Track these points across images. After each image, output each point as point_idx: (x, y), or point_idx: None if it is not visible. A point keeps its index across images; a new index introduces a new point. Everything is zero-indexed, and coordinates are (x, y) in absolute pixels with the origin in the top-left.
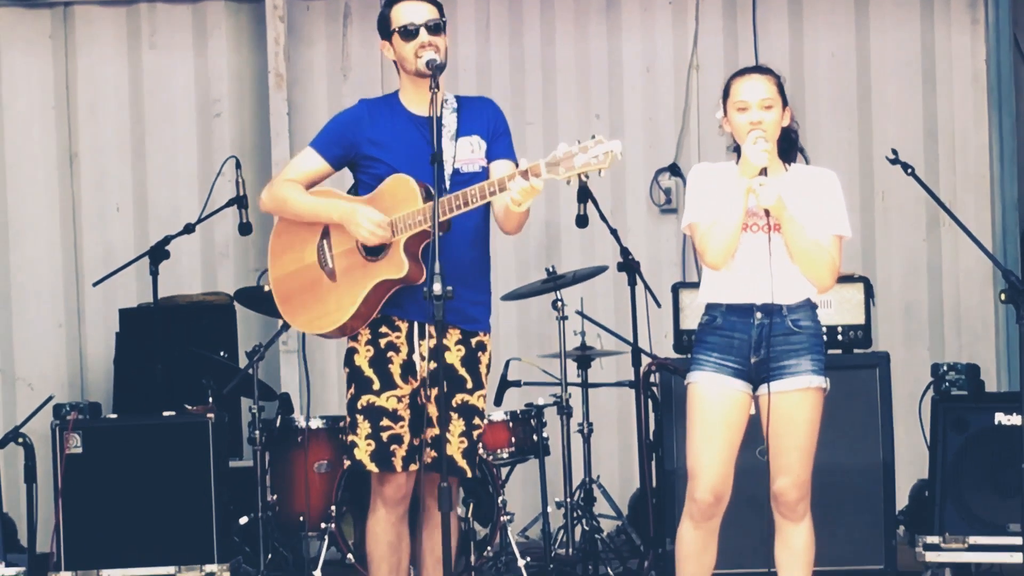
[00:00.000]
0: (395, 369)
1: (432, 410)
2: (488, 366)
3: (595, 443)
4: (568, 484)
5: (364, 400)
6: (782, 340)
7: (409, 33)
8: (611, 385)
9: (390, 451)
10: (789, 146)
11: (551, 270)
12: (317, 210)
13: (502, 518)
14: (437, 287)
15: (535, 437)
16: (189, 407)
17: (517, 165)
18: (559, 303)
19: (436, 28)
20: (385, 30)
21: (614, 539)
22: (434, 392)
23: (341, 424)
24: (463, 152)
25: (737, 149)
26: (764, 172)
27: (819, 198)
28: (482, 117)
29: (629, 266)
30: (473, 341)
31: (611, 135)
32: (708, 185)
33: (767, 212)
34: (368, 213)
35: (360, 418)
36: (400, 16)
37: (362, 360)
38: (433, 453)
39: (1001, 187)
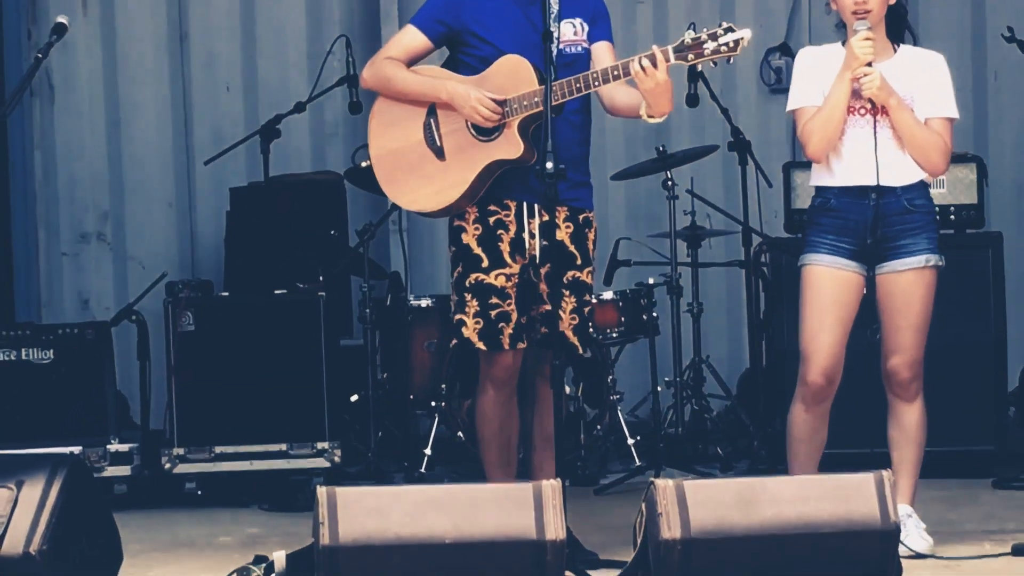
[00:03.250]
0: (504, 247)
1: (543, 287)
2: (595, 243)
3: (704, 323)
4: (677, 364)
5: (472, 278)
6: (898, 220)
7: None
8: (721, 265)
9: (498, 329)
10: (897, 24)
11: (661, 149)
12: (425, 89)
13: (612, 397)
14: (550, 165)
15: (644, 317)
16: (300, 285)
17: (614, 45)
18: (669, 182)
19: None
20: None
21: (723, 418)
22: (545, 269)
23: (451, 304)
24: (567, 33)
25: (841, 26)
26: (869, 64)
27: (928, 81)
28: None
29: (740, 145)
30: (580, 218)
31: (721, 14)
32: (813, 70)
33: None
34: (482, 97)
35: (468, 296)
36: None
37: (470, 238)
38: (544, 330)
39: None
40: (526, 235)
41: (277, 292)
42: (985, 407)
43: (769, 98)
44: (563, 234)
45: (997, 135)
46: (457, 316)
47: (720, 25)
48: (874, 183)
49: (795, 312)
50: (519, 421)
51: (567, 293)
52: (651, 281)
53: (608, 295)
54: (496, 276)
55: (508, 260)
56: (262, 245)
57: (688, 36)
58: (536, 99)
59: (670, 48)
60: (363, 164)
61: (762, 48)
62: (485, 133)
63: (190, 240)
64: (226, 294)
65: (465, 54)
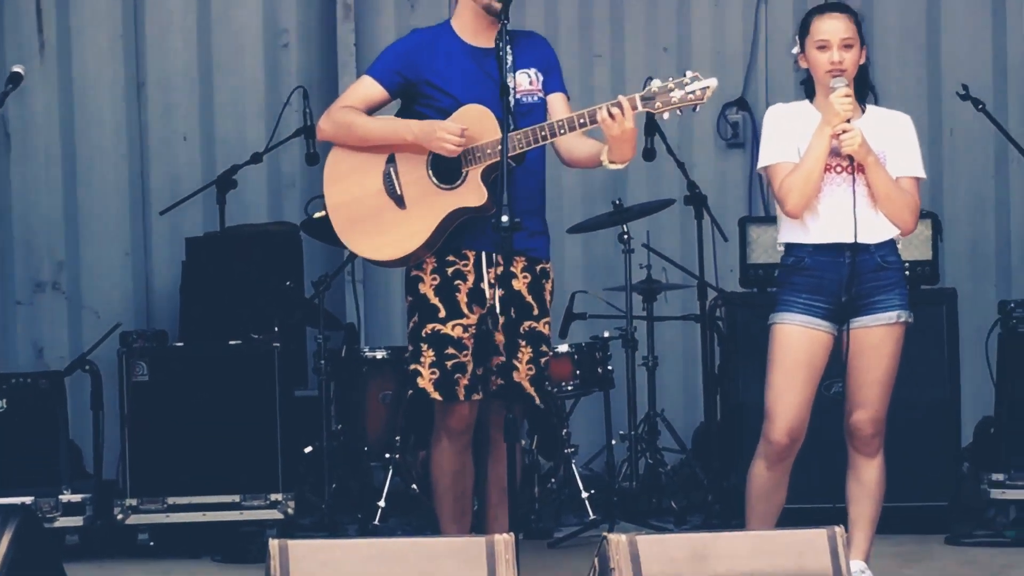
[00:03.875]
0: (462, 298)
1: (500, 338)
2: (552, 294)
3: (659, 376)
4: (632, 417)
5: (429, 328)
6: (872, 276)
7: None
8: (676, 319)
9: (454, 379)
10: (863, 84)
11: (617, 203)
12: (387, 132)
13: (566, 451)
14: (505, 218)
15: (600, 370)
16: (255, 335)
17: (568, 98)
18: (625, 236)
19: None
20: None
21: (678, 472)
22: (502, 320)
23: (406, 355)
24: (522, 83)
25: (805, 82)
26: (848, 120)
27: (897, 141)
28: (536, 51)
29: (696, 199)
30: (538, 268)
31: (678, 68)
32: (785, 127)
33: (850, 156)
34: (446, 124)
35: (424, 346)
36: None
37: (427, 288)
38: (500, 381)
39: None
40: (484, 285)
41: (232, 342)
42: (939, 463)
43: (726, 152)
44: (520, 284)
45: (952, 191)
46: (412, 366)
47: (685, 74)
48: (852, 241)
49: (750, 367)
50: (474, 473)
51: (523, 344)
52: (606, 334)
53: (563, 348)
54: (453, 327)
55: (465, 311)
56: (217, 295)
57: (655, 85)
58: (500, 147)
59: (637, 96)
60: (316, 215)
61: (719, 102)
62: (447, 181)
63: (145, 290)
64: (180, 344)
65: (423, 105)
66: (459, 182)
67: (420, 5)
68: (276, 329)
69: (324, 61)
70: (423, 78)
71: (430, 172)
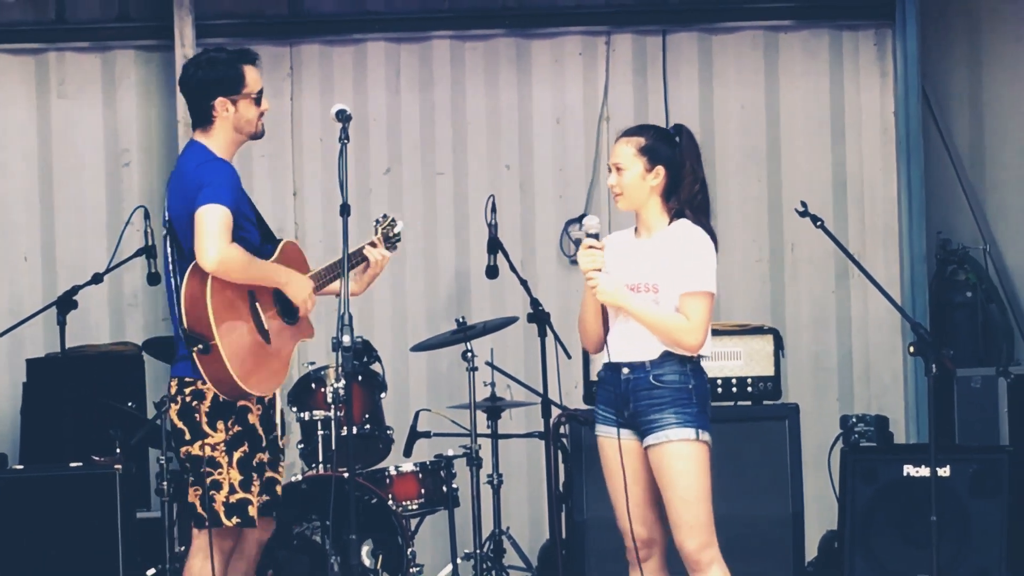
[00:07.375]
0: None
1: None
2: None
3: (505, 494)
4: (477, 535)
5: (258, 458)
6: (645, 395)
7: (260, 97)
8: (521, 436)
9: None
10: (683, 203)
11: (461, 321)
12: (269, 273)
13: (411, 569)
14: (347, 339)
15: (444, 488)
16: (96, 458)
17: None
18: (469, 354)
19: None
20: (231, 88)
21: None
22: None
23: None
24: None
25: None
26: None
27: (681, 257)
28: None
29: (539, 317)
30: None
31: (521, 186)
32: (607, 261)
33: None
34: (307, 284)
35: (255, 475)
36: (253, 80)
37: (255, 419)
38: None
39: (909, 239)
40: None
41: (73, 465)
42: None
43: (569, 269)
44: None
45: (794, 306)
46: (237, 496)
47: (386, 218)
48: (626, 359)
49: (594, 483)
50: None
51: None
52: (451, 452)
53: (408, 466)
54: (265, 454)
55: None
56: (59, 417)
57: (381, 231)
58: (326, 277)
59: (381, 238)
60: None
61: (561, 220)
62: (291, 316)
63: None
64: (20, 467)
65: (236, 237)
66: (298, 318)
67: (266, 126)
68: (118, 451)
69: (165, 180)
70: (242, 211)
71: (278, 307)
